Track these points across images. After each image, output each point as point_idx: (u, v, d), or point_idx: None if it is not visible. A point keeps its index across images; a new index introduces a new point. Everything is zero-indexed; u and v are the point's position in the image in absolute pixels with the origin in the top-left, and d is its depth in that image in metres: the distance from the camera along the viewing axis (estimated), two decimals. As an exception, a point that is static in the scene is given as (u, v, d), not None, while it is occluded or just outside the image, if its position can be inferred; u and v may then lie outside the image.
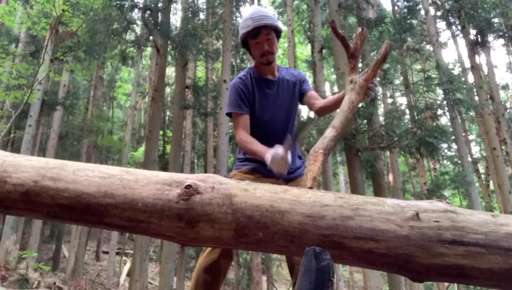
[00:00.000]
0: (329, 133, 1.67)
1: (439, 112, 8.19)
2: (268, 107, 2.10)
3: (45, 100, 10.97)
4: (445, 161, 14.22)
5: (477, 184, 12.63)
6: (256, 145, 1.91)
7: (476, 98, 9.67)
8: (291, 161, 1.98)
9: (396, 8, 10.93)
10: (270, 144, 1.89)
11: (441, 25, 12.38)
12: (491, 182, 13.24)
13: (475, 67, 9.74)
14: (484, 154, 14.25)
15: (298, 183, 2.08)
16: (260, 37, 1.99)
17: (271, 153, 1.73)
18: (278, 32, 2.05)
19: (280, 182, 2.04)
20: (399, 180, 10.94)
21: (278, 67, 2.20)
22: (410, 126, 8.06)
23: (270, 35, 2.01)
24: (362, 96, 1.77)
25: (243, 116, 2.04)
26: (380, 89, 10.72)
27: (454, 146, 9.66)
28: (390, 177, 11.89)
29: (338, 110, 1.80)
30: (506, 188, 8.28)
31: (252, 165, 2.08)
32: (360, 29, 1.77)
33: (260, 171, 2.05)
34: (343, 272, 12.96)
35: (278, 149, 1.73)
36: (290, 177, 2.09)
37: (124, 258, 15.78)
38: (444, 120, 11.76)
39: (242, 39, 2.06)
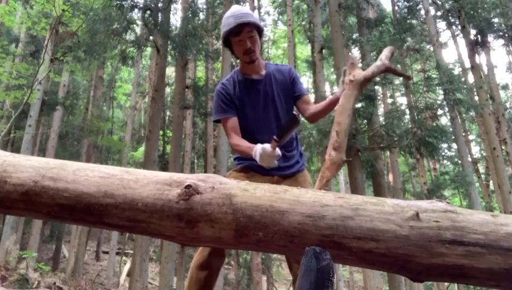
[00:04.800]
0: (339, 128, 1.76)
1: (439, 112, 8.20)
2: (256, 107, 2.10)
3: (45, 100, 10.97)
4: (445, 161, 14.23)
5: (477, 184, 12.62)
6: (244, 146, 1.97)
7: (476, 98, 9.67)
8: (288, 158, 2.07)
9: (396, 8, 10.93)
10: (261, 142, 1.92)
11: (441, 25, 12.40)
12: (491, 182, 13.24)
13: (475, 67, 9.73)
14: (484, 154, 14.26)
15: (296, 180, 2.07)
16: (242, 34, 1.98)
17: (258, 151, 1.79)
18: (259, 30, 2.05)
19: (277, 179, 2.04)
20: (399, 180, 10.94)
21: (266, 64, 2.18)
22: (410, 126, 8.06)
23: (252, 33, 2.00)
24: (359, 93, 1.87)
25: (230, 119, 2.08)
26: (380, 89, 10.72)
27: (454, 146, 9.67)
28: (390, 177, 11.89)
29: (337, 108, 1.85)
30: (506, 188, 8.28)
31: (246, 163, 2.09)
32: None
33: (254, 168, 2.05)
34: (343, 272, 12.96)
35: (265, 146, 1.76)
36: (287, 173, 2.07)
37: (124, 258, 15.78)
38: (444, 120, 11.75)
39: (224, 38, 2.04)
